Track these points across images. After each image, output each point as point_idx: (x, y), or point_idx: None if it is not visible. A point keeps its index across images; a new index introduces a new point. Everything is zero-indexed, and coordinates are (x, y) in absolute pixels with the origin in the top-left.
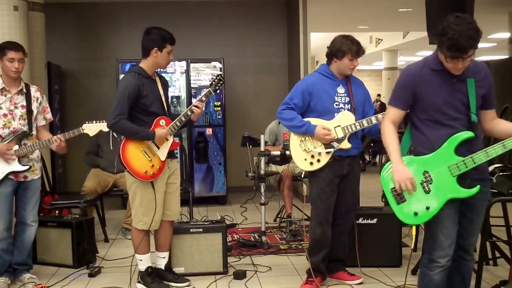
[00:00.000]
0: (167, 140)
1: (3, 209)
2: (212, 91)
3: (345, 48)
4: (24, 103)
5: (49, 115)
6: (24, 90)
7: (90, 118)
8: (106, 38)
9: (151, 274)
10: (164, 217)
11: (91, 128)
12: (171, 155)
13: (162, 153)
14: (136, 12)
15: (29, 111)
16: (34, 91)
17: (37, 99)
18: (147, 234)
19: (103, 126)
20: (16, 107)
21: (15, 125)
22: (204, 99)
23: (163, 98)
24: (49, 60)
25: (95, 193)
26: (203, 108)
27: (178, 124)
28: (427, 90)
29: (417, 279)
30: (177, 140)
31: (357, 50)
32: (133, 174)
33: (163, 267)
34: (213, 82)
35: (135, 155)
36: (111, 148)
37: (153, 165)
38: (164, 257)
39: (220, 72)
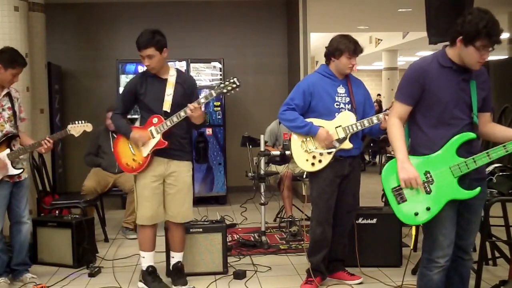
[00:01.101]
0: (153, 137)
1: (1, 211)
2: (214, 94)
3: (342, 47)
4: (9, 105)
5: (23, 114)
6: (11, 93)
7: (90, 118)
8: (106, 38)
9: (151, 274)
10: (166, 217)
11: (76, 129)
12: (169, 155)
13: (145, 150)
14: (136, 12)
15: (14, 113)
16: (14, 92)
17: (17, 99)
18: (150, 231)
19: (86, 127)
20: (3, 110)
21: (7, 128)
22: (202, 101)
23: (166, 97)
24: (49, 60)
25: (94, 193)
26: (202, 109)
27: (169, 123)
28: (436, 85)
29: (416, 279)
30: None
31: (355, 49)
32: (118, 164)
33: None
34: (223, 84)
35: (123, 147)
36: (112, 148)
37: (134, 159)
38: (173, 257)
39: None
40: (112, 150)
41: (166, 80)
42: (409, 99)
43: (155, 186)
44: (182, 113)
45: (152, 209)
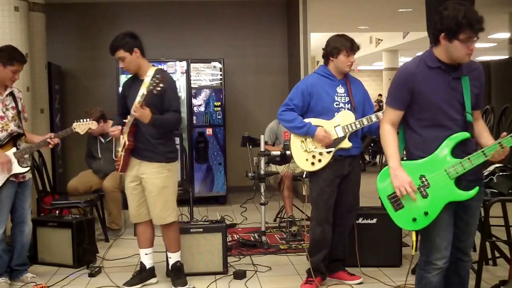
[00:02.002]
0: (122, 138)
1: (6, 212)
2: (145, 92)
3: (339, 45)
4: (13, 104)
5: (26, 115)
6: (14, 92)
7: None
8: (106, 38)
9: (139, 270)
10: None
11: (81, 127)
12: (140, 156)
13: (119, 149)
14: (136, 12)
15: (18, 112)
16: (17, 92)
17: (20, 99)
18: (139, 228)
19: (92, 125)
20: (7, 109)
21: (12, 127)
22: (138, 99)
23: (138, 97)
24: (50, 60)
25: (77, 191)
26: (145, 109)
27: (128, 124)
28: (426, 87)
29: (414, 281)
30: (177, 140)
31: (351, 46)
32: None
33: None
34: (151, 80)
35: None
36: (100, 155)
37: (118, 159)
38: (170, 257)
39: (157, 77)
40: (100, 155)
41: (142, 80)
42: (399, 104)
43: (133, 187)
44: (132, 112)
45: (132, 208)
